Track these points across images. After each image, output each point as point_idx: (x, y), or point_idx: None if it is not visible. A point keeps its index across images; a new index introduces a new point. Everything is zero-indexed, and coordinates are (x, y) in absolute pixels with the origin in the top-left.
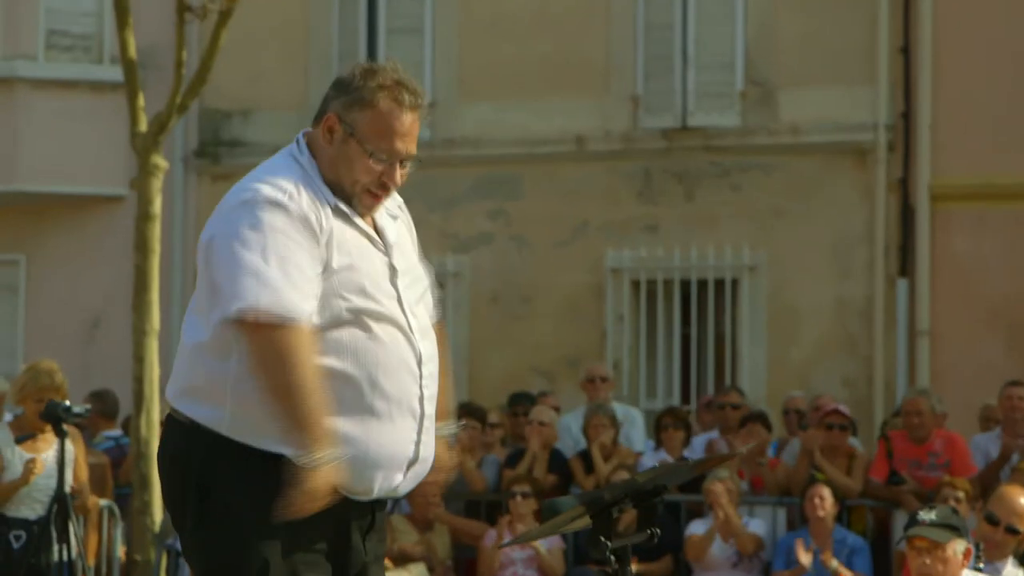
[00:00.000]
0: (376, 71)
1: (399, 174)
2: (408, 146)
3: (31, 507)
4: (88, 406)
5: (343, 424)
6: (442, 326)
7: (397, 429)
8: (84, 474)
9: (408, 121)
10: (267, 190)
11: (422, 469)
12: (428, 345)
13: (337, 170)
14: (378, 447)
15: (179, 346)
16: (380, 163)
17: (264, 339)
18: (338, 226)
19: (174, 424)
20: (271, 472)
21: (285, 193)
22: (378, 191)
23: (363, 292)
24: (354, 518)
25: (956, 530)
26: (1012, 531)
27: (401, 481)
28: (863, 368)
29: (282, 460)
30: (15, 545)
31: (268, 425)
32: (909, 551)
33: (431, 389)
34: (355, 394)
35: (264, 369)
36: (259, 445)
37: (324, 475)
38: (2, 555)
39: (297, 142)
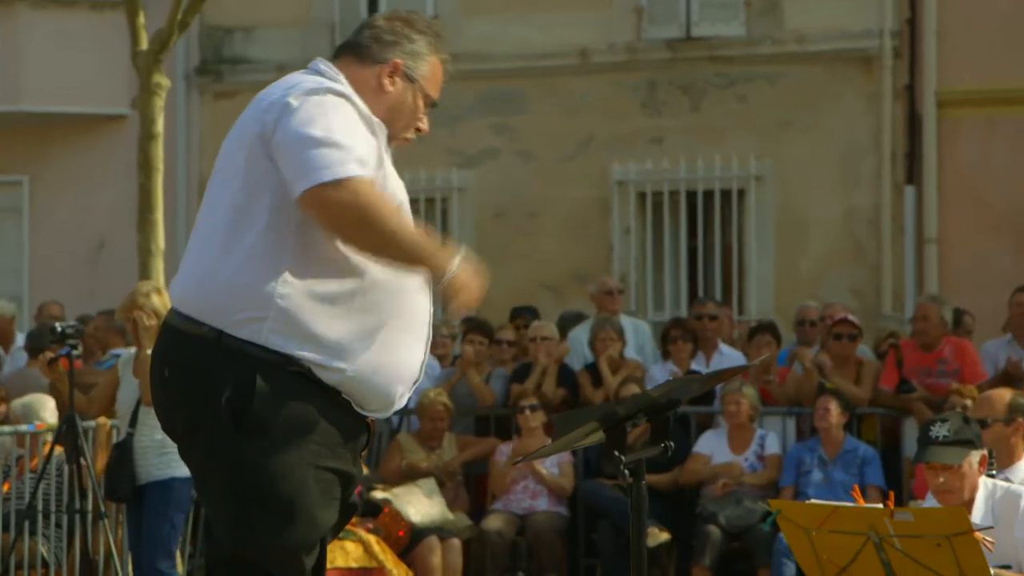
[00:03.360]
0: (426, 22)
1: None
2: None
3: None
4: (76, 323)
5: (383, 336)
6: None
7: (416, 347)
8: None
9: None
10: (330, 85)
11: (416, 384)
12: None
13: (392, 113)
14: (406, 363)
15: (196, 257)
16: (426, 110)
17: (350, 197)
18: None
19: (194, 337)
20: (309, 391)
21: (350, 92)
22: (413, 136)
23: (403, 210)
24: (362, 441)
25: (969, 442)
26: (1009, 422)
27: (406, 398)
28: (871, 277)
29: (318, 383)
30: None
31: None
32: (926, 471)
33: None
34: (396, 308)
35: (361, 223)
36: (298, 352)
37: (467, 274)
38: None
39: (326, 72)
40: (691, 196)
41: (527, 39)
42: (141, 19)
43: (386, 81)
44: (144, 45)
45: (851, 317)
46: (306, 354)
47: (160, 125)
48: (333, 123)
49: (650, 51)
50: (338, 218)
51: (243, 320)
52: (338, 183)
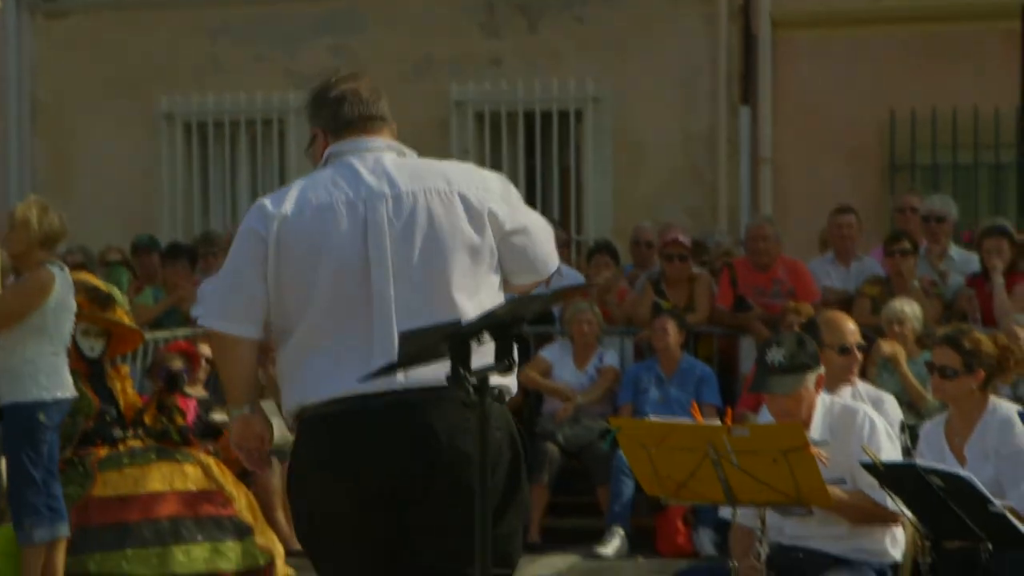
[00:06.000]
0: None
1: None
2: None
3: None
4: None
5: None
6: None
7: None
8: None
9: None
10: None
11: None
12: None
13: None
14: None
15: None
16: None
17: None
18: None
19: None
20: None
21: None
22: None
23: None
24: None
25: (805, 366)
26: (843, 350)
27: None
28: (708, 197)
29: None
30: None
31: None
32: (765, 398)
33: None
34: None
35: None
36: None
37: None
38: None
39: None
40: (529, 117)
41: None
42: None
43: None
44: None
45: (681, 237)
46: None
47: None
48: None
49: None
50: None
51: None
52: None
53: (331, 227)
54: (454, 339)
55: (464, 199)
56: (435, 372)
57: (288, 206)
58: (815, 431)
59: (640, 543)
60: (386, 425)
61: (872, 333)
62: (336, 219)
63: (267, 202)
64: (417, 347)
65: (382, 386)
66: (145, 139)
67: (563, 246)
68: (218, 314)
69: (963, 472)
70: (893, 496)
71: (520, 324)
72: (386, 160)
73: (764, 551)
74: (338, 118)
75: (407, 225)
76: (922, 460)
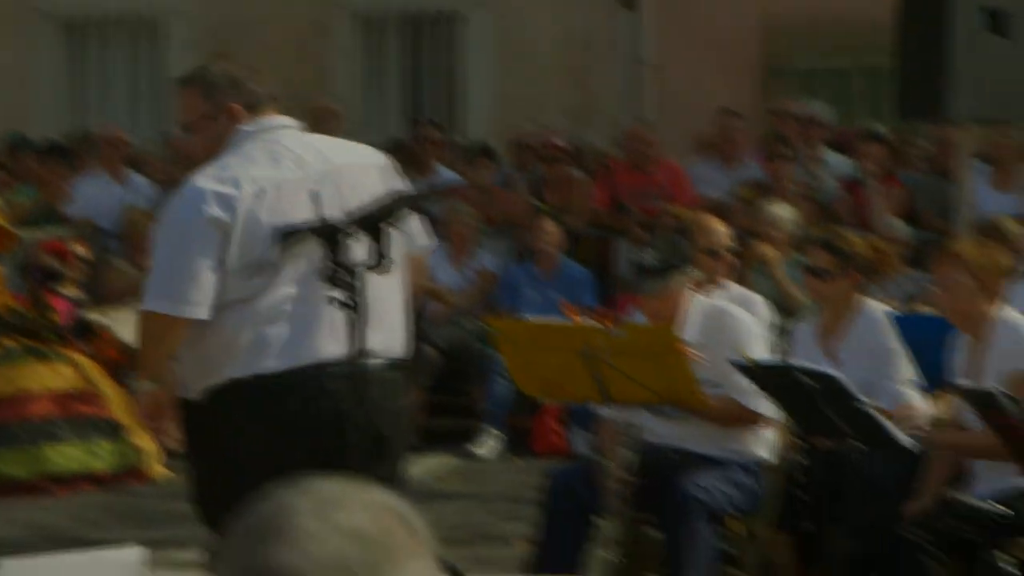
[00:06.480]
0: None
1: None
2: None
3: None
4: None
5: None
6: None
7: None
8: None
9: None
10: None
11: None
12: None
13: None
14: None
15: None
16: None
17: None
18: None
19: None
20: None
21: None
22: None
23: None
24: None
25: (677, 267)
26: (712, 253)
27: None
28: (588, 100)
29: None
30: None
31: None
32: (640, 299)
33: None
34: None
35: None
36: None
37: None
38: None
39: None
40: (411, 19)
41: None
42: None
43: None
44: None
45: (560, 141)
46: None
47: None
48: None
49: None
50: None
51: None
52: None
53: (289, 204)
54: (323, 232)
55: (386, 169)
56: (386, 347)
57: (247, 186)
58: (691, 332)
59: (516, 443)
60: (335, 392)
61: (747, 236)
62: (294, 195)
63: (211, 184)
64: (290, 241)
65: (340, 357)
66: (18, 35)
67: (443, 148)
68: (170, 298)
69: (833, 371)
70: (766, 395)
71: (392, 219)
72: (308, 137)
73: (630, 455)
74: (255, 95)
75: (350, 197)
76: (795, 360)
